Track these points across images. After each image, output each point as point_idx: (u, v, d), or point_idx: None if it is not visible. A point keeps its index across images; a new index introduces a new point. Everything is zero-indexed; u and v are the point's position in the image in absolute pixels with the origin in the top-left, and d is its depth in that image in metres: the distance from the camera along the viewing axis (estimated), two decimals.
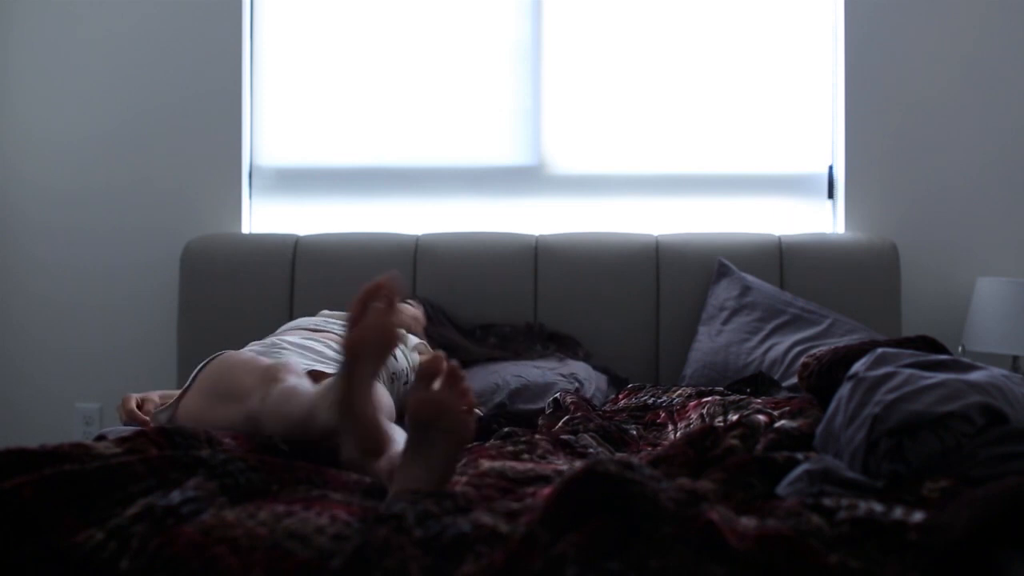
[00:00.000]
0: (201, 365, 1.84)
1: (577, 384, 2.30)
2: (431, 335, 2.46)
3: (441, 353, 1.16)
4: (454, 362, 1.17)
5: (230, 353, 1.82)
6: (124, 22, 2.99)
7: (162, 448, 1.24)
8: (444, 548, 0.94)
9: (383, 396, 1.64)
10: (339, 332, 2.10)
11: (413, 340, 2.29)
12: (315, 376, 1.74)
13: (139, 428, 1.50)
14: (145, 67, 2.99)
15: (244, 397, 1.62)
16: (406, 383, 2.14)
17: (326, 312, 2.39)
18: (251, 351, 1.92)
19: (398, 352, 2.14)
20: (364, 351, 1.20)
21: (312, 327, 2.15)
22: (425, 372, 1.16)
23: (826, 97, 2.99)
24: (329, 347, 1.98)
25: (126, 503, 1.05)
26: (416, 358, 2.25)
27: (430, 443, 1.16)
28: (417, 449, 1.17)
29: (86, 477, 1.07)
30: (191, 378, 1.85)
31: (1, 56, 3.02)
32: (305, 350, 1.93)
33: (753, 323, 2.58)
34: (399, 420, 1.76)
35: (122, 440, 1.23)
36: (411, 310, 2.47)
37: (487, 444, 1.57)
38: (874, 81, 2.91)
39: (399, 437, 1.44)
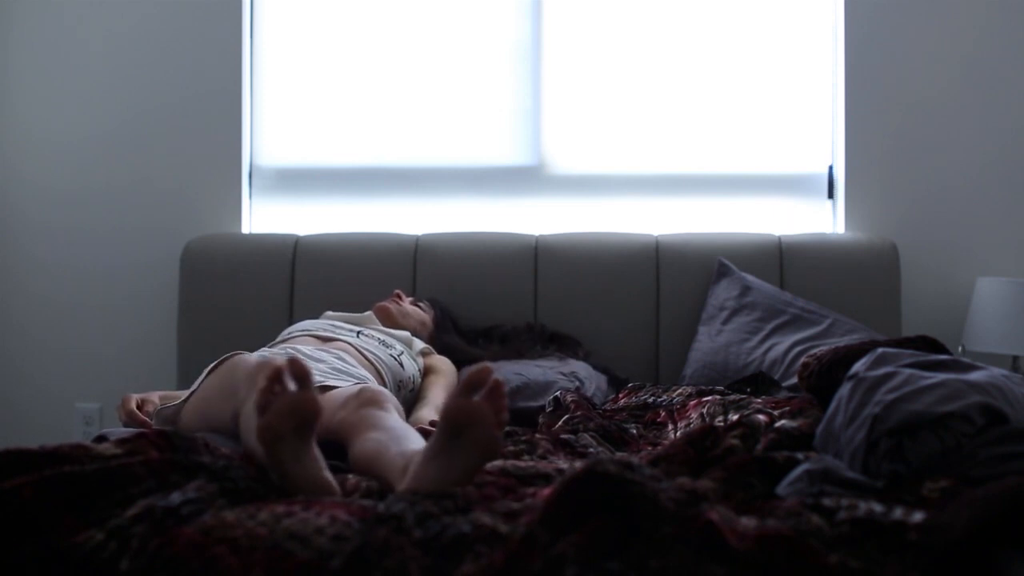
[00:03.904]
0: (212, 366, 1.83)
1: (577, 383, 2.30)
2: (433, 340, 2.47)
3: (489, 365, 1.17)
4: (500, 377, 1.17)
5: (240, 356, 1.81)
6: (124, 22, 2.99)
7: (162, 451, 1.24)
8: (444, 548, 0.94)
9: (337, 397, 1.62)
10: (349, 341, 2.11)
11: (419, 344, 2.33)
12: (324, 391, 1.74)
13: (139, 430, 1.50)
14: (145, 67, 2.99)
15: (235, 393, 1.62)
16: (412, 390, 2.17)
17: (330, 313, 2.40)
18: (261, 356, 1.92)
19: (405, 360, 2.15)
20: (283, 433, 1.18)
21: (321, 334, 2.15)
22: (470, 381, 1.16)
23: (826, 97, 2.99)
24: (340, 359, 1.99)
25: (126, 504, 1.05)
26: (423, 362, 2.27)
27: (456, 448, 1.17)
28: (441, 451, 1.18)
29: (86, 478, 1.07)
30: (200, 380, 1.84)
31: (1, 56, 3.01)
32: (316, 362, 1.93)
33: (753, 323, 2.58)
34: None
35: (122, 442, 1.23)
36: (420, 315, 2.50)
37: None
38: (874, 81, 2.91)
39: (413, 436, 1.44)
